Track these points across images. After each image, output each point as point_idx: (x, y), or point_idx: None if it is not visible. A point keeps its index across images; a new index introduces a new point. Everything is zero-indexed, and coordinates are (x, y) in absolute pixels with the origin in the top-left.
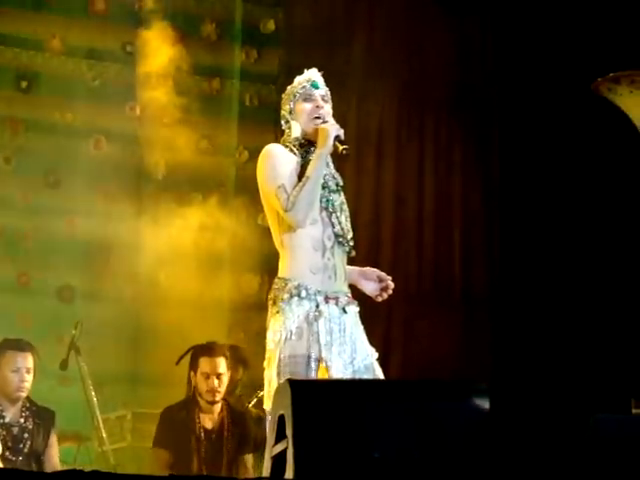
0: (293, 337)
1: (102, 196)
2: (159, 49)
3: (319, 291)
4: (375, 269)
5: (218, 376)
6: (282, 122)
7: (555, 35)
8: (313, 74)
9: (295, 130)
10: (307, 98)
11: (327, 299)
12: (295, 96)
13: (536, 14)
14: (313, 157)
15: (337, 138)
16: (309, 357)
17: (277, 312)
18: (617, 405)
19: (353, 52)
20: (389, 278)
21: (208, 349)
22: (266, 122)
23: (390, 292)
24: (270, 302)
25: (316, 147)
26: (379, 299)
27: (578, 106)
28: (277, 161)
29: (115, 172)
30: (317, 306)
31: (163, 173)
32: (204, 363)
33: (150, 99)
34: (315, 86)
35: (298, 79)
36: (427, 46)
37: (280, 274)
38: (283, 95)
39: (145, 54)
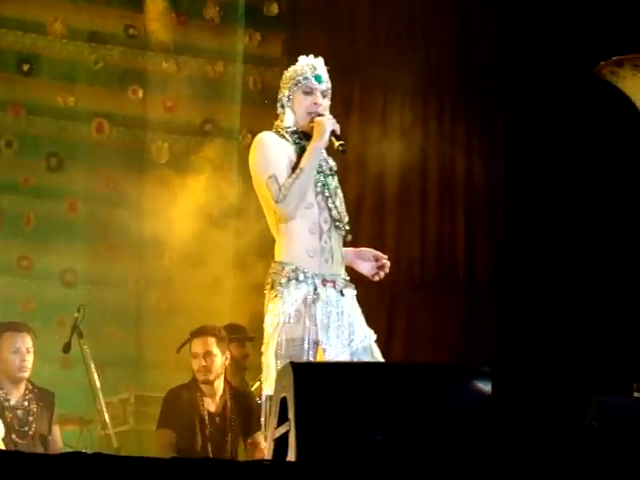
0: (291, 320)
1: (105, 180)
2: (162, 32)
3: (316, 274)
4: (371, 249)
5: (207, 354)
6: (278, 105)
7: (558, 18)
8: (319, 66)
9: (288, 119)
10: (308, 91)
11: (324, 282)
12: (297, 84)
13: None
14: (307, 149)
15: (333, 133)
16: (307, 340)
17: (275, 296)
18: (619, 389)
19: (357, 35)
20: (385, 257)
21: (199, 331)
22: (270, 105)
23: (387, 271)
24: (268, 286)
25: (309, 138)
26: (376, 278)
27: (581, 89)
28: (268, 150)
29: (117, 155)
30: (315, 289)
31: (166, 156)
32: (195, 344)
33: (153, 82)
34: (319, 80)
35: (302, 64)
36: (431, 29)
37: (277, 258)
38: (284, 76)
39: (148, 37)
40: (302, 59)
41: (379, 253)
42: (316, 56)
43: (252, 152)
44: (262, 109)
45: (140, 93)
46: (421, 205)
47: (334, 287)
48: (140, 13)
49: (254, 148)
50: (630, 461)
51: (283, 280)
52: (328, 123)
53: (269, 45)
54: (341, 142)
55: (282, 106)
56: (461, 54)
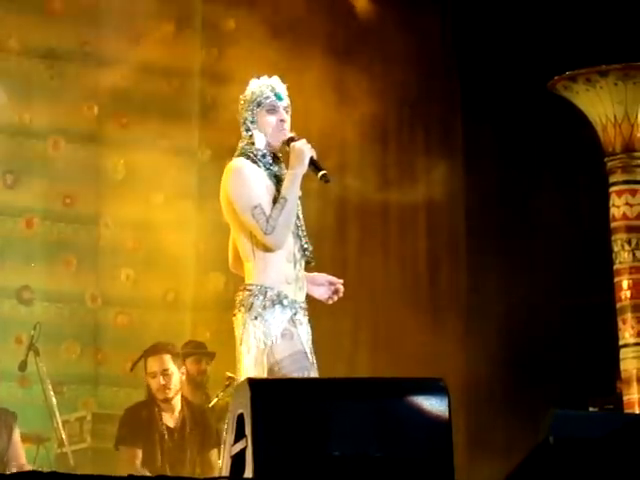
0: (284, 339)
1: (61, 196)
2: (118, 49)
3: (295, 300)
4: (324, 274)
5: (164, 372)
6: (242, 129)
7: (513, 33)
8: (276, 84)
9: (259, 141)
10: (271, 110)
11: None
12: (259, 105)
13: (494, 12)
14: (288, 177)
15: (312, 160)
16: (305, 352)
17: (255, 318)
18: (575, 403)
19: (315, 50)
20: (340, 281)
21: (153, 349)
22: (228, 121)
23: (340, 295)
24: (243, 308)
25: (279, 161)
26: (330, 302)
27: (536, 104)
28: (250, 179)
29: (74, 172)
30: (295, 314)
31: (122, 173)
32: (150, 363)
33: (109, 99)
34: (279, 98)
35: (259, 85)
36: (389, 43)
37: (254, 281)
38: (242, 100)
39: (103, 53)
40: (254, 81)
41: (333, 278)
42: (273, 72)
43: (230, 180)
44: (220, 124)
45: (96, 109)
46: (383, 221)
47: (304, 315)
48: (96, 29)
49: (232, 176)
50: (585, 476)
51: (267, 304)
52: (307, 150)
53: (226, 60)
54: (323, 172)
55: (247, 129)
56: (419, 67)
